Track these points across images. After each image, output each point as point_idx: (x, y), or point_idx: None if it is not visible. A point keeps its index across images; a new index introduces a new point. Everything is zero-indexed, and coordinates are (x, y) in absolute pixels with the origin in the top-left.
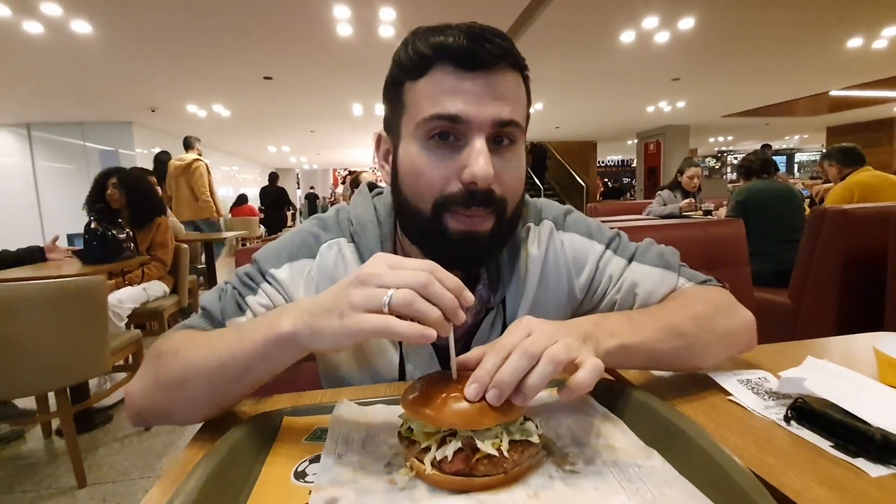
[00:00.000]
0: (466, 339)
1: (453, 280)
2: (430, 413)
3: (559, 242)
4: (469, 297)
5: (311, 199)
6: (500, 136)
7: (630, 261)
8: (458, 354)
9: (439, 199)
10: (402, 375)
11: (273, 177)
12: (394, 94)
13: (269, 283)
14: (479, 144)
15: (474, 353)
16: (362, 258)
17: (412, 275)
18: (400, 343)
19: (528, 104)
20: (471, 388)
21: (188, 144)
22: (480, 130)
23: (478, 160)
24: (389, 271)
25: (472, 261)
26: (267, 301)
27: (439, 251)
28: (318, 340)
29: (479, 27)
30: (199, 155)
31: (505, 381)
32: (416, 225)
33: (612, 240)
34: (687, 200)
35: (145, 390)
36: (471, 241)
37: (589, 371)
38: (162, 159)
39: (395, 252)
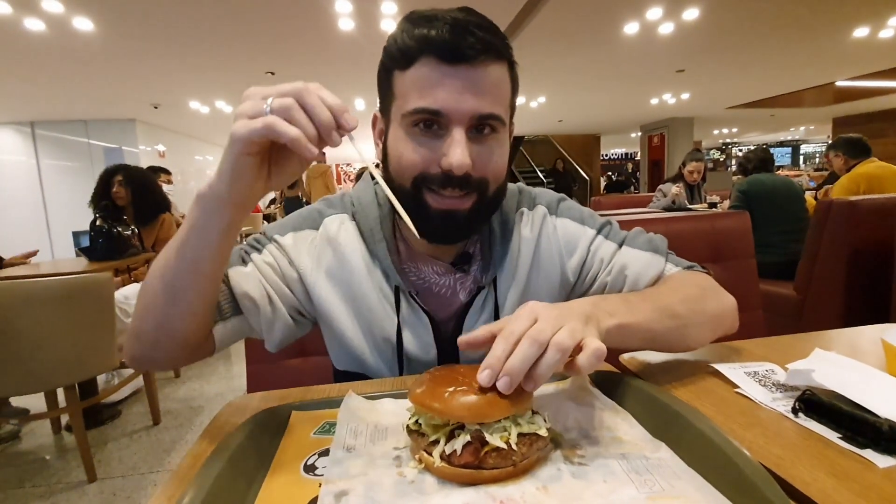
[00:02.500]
0: (459, 316)
1: (334, 100)
2: (439, 406)
3: (552, 227)
4: (350, 119)
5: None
6: (482, 126)
7: (620, 245)
8: (450, 331)
9: (417, 176)
10: (399, 344)
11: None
12: (385, 81)
13: (275, 247)
14: (458, 135)
15: (482, 332)
16: (363, 234)
17: (291, 85)
18: (398, 310)
19: (514, 92)
20: (483, 375)
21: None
22: (460, 123)
23: (455, 150)
24: (272, 87)
25: (451, 236)
26: (271, 259)
27: (422, 225)
28: (224, 174)
29: (465, 19)
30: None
31: (515, 369)
32: (400, 200)
33: (603, 226)
34: (676, 186)
35: (132, 329)
36: (451, 218)
37: (590, 356)
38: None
39: (393, 234)
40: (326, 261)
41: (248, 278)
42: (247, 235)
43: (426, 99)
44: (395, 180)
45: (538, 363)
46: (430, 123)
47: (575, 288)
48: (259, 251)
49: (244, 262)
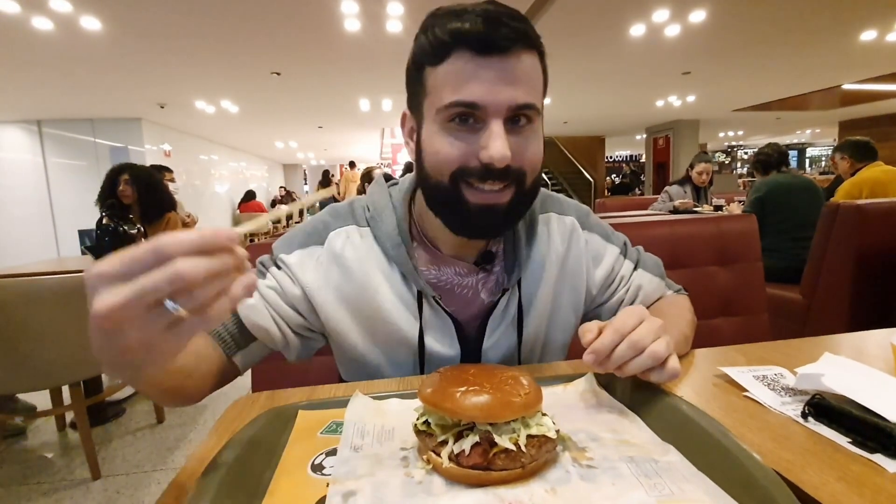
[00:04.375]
0: (483, 317)
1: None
2: (450, 405)
3: (583, 241)
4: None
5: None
6: (518, 116)
7: (636, 266)
8: (473, 332)
9: (456, 171)
10: (421, 348)
11: (325, 173)
12: (416, 77)
13: (279, 268)
14: (497, 128)
15: (603, 338)
16: (378, 241)
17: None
18: (420, 314)
19: (545, 82)
20: (588, 357)
21: (353, 165)
22: (497, 114)
23: (495, 143)
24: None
25: (490, 231)
26: (274, 283)
27: (460, 222)
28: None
29: (496, 10)
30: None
31: (612, 363)
32: (438, 197)
33: (623, 245)
34: (681, 201)
35: None
36: (490, 212)
37: (667, 375)
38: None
39: (410, 233)
40: (334, 279)
41: (254, 310)
42: (251, 236)
43: (461, 92)
44: (431, 177)
45: (631, 361)
46: (467, 117)
47: (595, 299)
48: (263, 276)
49: None
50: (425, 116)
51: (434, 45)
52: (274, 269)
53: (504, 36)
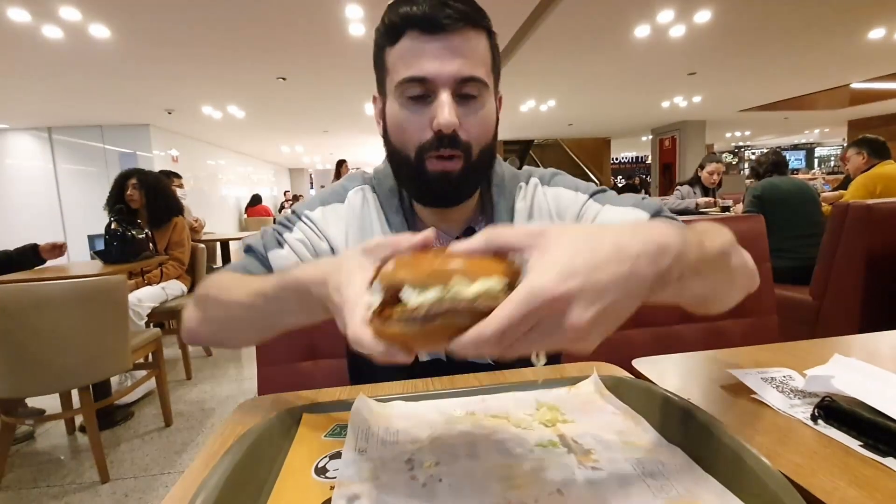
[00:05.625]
0: None
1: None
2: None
3: (542, 195)
4: None
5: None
6: (465, 90)
7: (605, 204)
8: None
9: (419, 147)
10: None
11: (339, 163)
12: (378, 58)
13: (304, 223)
14: (444, 97)
15: (478, 244)
16: (380, 200)
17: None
18: None
19: (494, 59)
20: (464, 342)
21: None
22: (445, 86)
23: (442, 111)
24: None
25: (448, 197)
26: (301, 236)
27: (422, 191)
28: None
29: None
30: None
31: (509, 355)
32: (404, 171)
33: (597, 192)
34: (706, 199)
35: (199, 323)
36: (445, 180)
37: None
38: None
39: (400, 199)
40: (353, 234)
41: (286, 260)
42: None
43: (412, 68)
44: (399, 152)
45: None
46: (420, 92)
47: None
48: (290, 230)
49: (280, 245)
50: (388, 95)
51: (388, 27)
52: (300, 223)
53: (447, 16)
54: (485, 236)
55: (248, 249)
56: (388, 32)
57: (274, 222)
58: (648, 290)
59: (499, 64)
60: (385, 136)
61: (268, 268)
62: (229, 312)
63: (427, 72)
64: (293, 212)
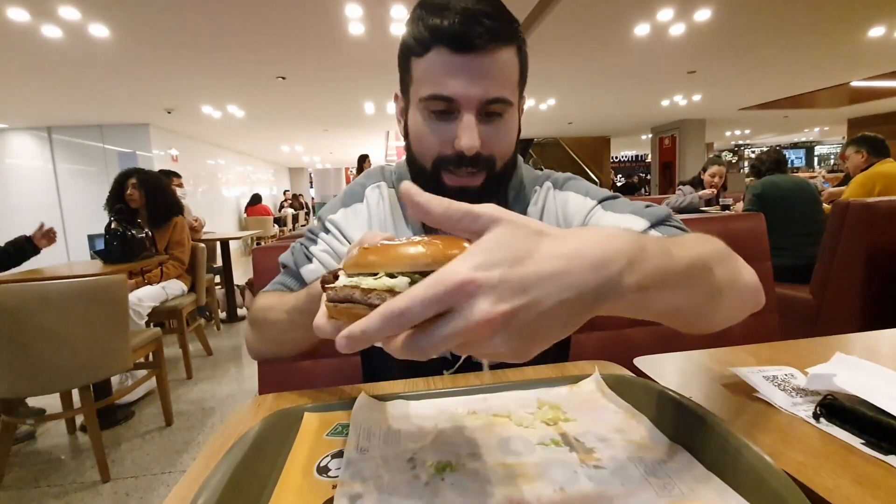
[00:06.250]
0: None
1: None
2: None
3: (553, 199)
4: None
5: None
6: (490, 109)
7: (607, 210)
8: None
9: (437, 159)
10: None
11: (362, 158)
12: (404, 65)
13: (328, 231)
14: (468, 119)
15: (438, 205)
16: (397, 196)
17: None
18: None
19: (523, 72)
20: (341, 342)
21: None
22: (469, 107)
23: (465, 133)
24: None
25: None
26: (325, 246)
27: None
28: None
29: (474, 8)
30: None
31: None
32: (421, 178)
33: (607, 198)
34: (709, 190)
35: (257, 342)
36: (464, 194)
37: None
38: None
39: None
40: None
41: (316, 274)
42: (258, 239)
43: (439, 87)
44: (417, 160)
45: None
46: (444, 109)
47: None
48: (315, 242)
49: (309, 259)
50: (411, 101)
51: (417, 38)
52: (323, 233)
53: (479, 35)
54: (443, 207)
55: (284, 267)
56: (415, 43)
57: (275, 221)
58: (593, 298)
59: (526, 72)
60: (406, 139)
61: (303, 282)
62: (276, 329)
63: (453, 92)
64: (318, 219)
